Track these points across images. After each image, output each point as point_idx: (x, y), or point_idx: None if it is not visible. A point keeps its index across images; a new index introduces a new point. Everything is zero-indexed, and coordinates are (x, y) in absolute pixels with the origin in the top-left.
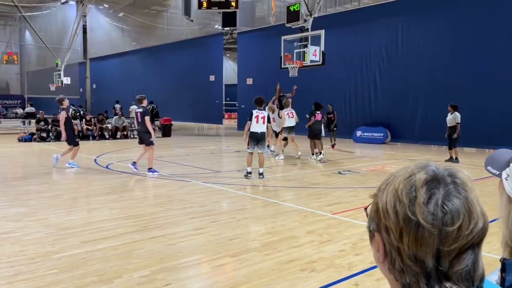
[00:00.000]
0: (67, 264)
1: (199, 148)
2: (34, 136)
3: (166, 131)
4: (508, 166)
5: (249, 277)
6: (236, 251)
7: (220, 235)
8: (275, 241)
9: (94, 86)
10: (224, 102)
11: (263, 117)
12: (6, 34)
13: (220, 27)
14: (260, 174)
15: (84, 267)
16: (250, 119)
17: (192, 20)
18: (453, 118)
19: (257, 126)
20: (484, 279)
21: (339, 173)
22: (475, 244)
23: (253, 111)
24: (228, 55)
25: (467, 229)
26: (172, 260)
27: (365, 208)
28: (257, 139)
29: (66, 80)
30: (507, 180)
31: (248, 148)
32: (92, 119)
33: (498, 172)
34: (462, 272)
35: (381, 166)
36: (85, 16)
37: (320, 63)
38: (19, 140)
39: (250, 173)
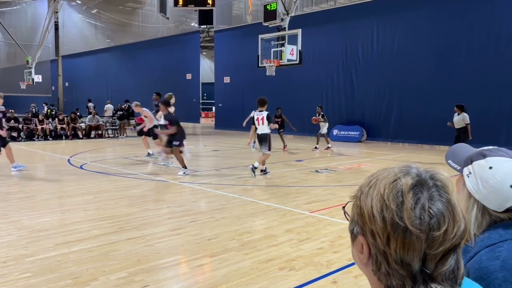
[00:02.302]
0: (41, 268)
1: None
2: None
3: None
4: (471, 163)
5: (228, 276)
6: (215, 251)
7: (198, 235)
8: (254, 240)
9: (67, 84)
10: (201, 101)
11: (261, 118)
12: None
13: (196, 25)
14: (254, 168)
15: (59, 270)
16: (253, 123)
17: (168, 18)
18: (461, 119)
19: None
20: (464, 276)
21: (316, 171)
22: (457, 245)
23: (253, 112)
24: (204, 53)
25: (452, 233)
26: (150, 261)
27: (343, 207)
28: (258, 140)
29: (37, 78)
30: (468, 177)
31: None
32: (65, 118)
33: (459, 167)
34: (446, 273)
35: (357, 164)
36: (57, 12)
37: (297, 62)
38: None
39: (264, 170)
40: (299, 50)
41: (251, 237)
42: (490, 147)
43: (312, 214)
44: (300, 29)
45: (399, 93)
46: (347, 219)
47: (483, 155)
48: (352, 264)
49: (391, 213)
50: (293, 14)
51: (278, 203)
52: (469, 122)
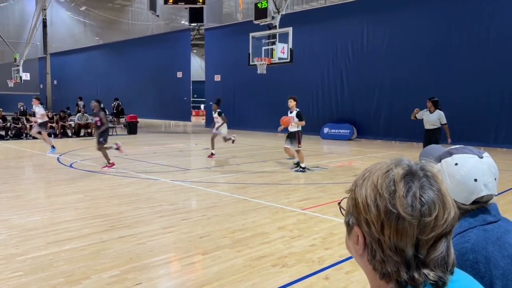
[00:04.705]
0: (32, 267)
1: (167, 146)
2: None
3: (132, 129)
4: (440, 161)
5: (221, 274)
6: (207, 249)
7: (190, 233)
8: (246, 238)
9: (55, 82)
10: (191, 99)
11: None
12: None
13: (187, 23)
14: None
15: (51, 269)
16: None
17: (158, 15)
18: (437, 119)
19: None
20: (455, 263)
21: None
22: (447, 232)
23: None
24: (195, 51)
25: (442, 219)
26: (142, 259)
27: (339, 203)
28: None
29: (25, 76)
30: None
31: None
32: (54, 116)
33: None
34: (438, 259)
35: (348, 162)
36: (45, 9)
37: (288, 60)
38: None
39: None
40: (290, 48)
41: (243, 234)
42: (457, 146)
43: (304, 212)
44: (291, 28)
45: (389, 91)
46: (343, 214)
47: (450, 153)
48: (344, 260)
49: (384, 201)
50: (284, 13)
51: (270, 201)
52: (446, 122)
